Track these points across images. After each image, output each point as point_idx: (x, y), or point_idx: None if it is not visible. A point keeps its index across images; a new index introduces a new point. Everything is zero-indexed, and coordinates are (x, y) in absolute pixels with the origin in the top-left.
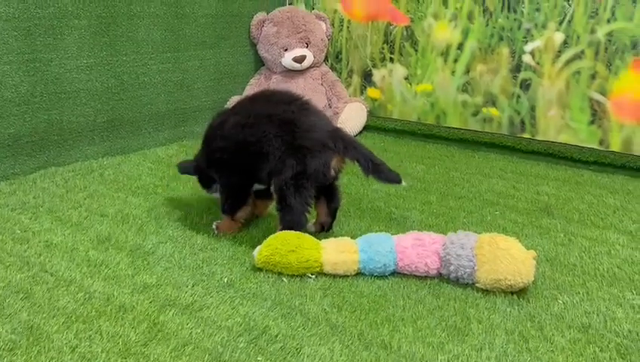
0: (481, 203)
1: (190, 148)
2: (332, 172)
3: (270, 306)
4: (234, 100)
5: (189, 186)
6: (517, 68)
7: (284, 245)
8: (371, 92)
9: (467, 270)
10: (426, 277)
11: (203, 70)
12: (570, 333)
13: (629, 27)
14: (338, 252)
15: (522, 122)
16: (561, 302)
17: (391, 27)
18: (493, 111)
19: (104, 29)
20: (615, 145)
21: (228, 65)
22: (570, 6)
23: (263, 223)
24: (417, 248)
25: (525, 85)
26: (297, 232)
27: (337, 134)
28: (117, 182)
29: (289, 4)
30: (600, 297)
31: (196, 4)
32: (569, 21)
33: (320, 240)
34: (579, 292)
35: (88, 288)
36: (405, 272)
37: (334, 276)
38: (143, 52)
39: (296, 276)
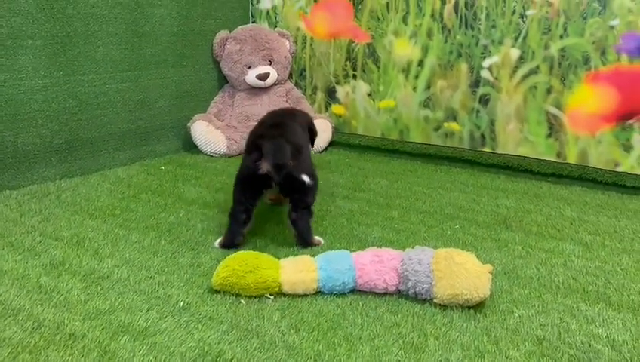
0: (442, 217)
1: (152, 168)
2: (263, 170)
3: (226, 329)
4: (197, 118)
5: (149, 207)
6: (476, 83)
7: (242, 266)
8: (335, 108)
9: (425, 286)
10: (385, 293)
11: (165, 89)
12: (525, 346)
13: (580, 43)
14: (297, 271)
15: (482, 136)
16: (517, 315)
17: (353, 44)
18: (454, 125)
19: (60, 48)
20: (572, 158)
21: (190, 83)
22: (524, 23)
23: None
24: (376, 265)
25: (484, 100)
26: (256, 252)
27: (273, 143)
28: (74, 204)
29: (252, 22)
30: (555, 309)
31: (157, 23)
32: (524, 37)
33: (279, 259)
34: (534, 305)
35: (37, 316)
36: (364, 289)
37: (293, 296)
38: (102, 71)
39: (255, 297)
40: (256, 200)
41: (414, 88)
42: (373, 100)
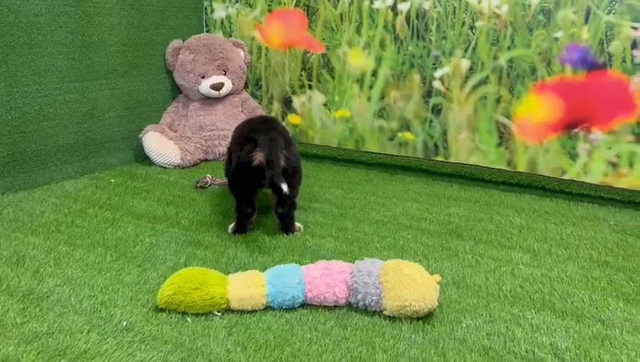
0: (395, 227)
1: (101, 181)
2: (256, 162)
3: (170, 350)
4: (149, 129)
5: (96, 222)
6: (428, 93)
7: (188, 283)
8: (292, 118)
9: (374, 297)
10: (335, 306)
11: (115, 99)
12: (471, 357)
13: (527, 54)
14: (245, 286)
15: (435, 145)
16: (464, 325)
17: (308, 55)
18: (408, 135)
19: (2, 58)
20: (521, 166)
21: (142, 93)
22: (473, 34)
23: (170, 259)
24: (326, 278)
25: (437, 110)
26: (203, 268)
27: (268, 135)
28: (16, 220)
29: (206, 32)
30: (501, 318)
31: (105, 32)
32: (473, 48)
33: (227, 274)
34: (482, 314)
35: None
36: (315, 303)
37: (242, 312)
38: (47, 82)
39: (202, 315)
40: (255, 192)
41: (369, 98)
42: (329, 110)
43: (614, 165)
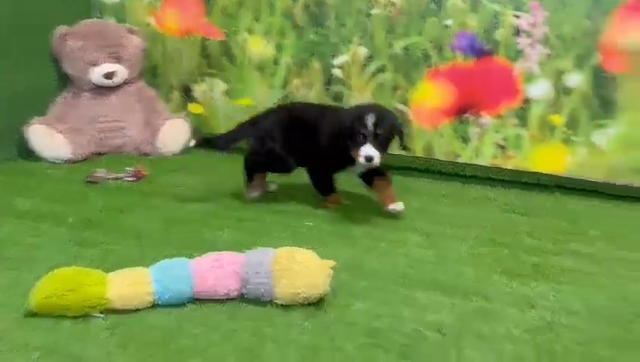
0: (296, 215)
1: None
2: None
3: (42, 357)
4: (33, 122)
5: None
6: (329, 81)
7: (63, 284)
8: (193, 107)
9: (266, 287)
10: (226, 299)
11: None
12: (359, 339)
13: (420, 41)
14: (126, 284)
15: None
16: (355, 308)
17: (207, 42)
18: None
19: None
20: (419, 151)
21: (23, 84)
22: (369, 22)
23: (51, 260)
24: (215, 270)
25: (338, 98)
26: (80, 268)
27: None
28: None
29: (96, 17)
30: (392, 299)
31: None
32: (370, 36)
33: (109, 272)
34: (374, 297)
35: None
36: (204, 297)
37: (126, 311)
38: None
39: (81, 317)
40: None
41: (271, 86)
42: (231, 99)
43: (502, 148)
